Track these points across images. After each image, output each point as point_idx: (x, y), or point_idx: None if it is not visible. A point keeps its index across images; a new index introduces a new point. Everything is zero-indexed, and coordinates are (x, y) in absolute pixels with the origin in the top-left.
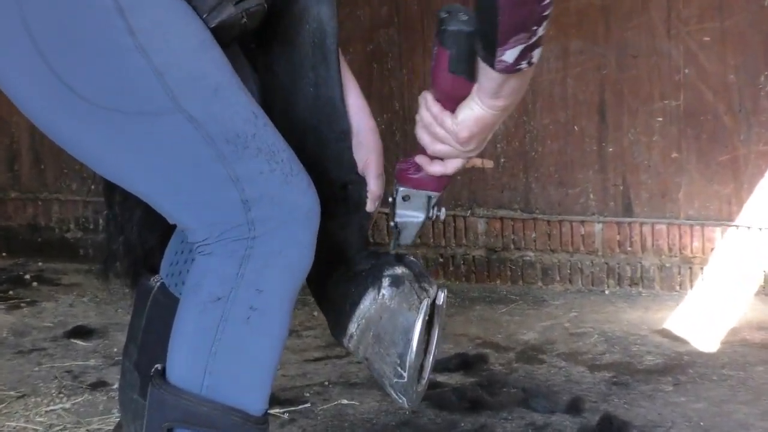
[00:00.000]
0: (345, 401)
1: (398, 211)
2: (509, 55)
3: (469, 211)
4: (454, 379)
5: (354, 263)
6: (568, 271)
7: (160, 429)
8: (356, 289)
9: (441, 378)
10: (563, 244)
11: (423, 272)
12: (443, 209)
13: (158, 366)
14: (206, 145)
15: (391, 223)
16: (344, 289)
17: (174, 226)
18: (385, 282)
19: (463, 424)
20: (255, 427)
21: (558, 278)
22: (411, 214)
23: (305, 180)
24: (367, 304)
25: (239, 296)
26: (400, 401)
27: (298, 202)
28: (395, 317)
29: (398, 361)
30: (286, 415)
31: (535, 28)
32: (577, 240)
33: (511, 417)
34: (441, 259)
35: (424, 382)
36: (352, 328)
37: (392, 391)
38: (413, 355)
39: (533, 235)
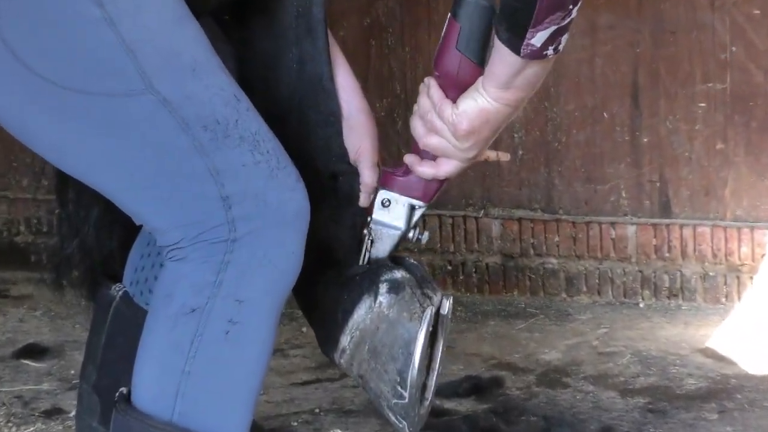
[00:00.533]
0: (339, 431)
1: (374, 217)
2: (539, 38)
3: (482, 212)
4: (464, 405)
5: (346, 266)
6: (597, 281)
7: None
8: (349, 295)
9: (449, 404)
10: (591, 250)
11: (426, 277)
12: (426, 233)
13: (123, 389)
14: (181, 131)
15: (364, 231)
16: (335, 296)
17: (139, 227)
18: (383, 288)
19: None
20: None
21: (585, 289)
22: (388, 224)
23: (293, 174)
24: (361, 313)
25: (217, 308)
26: (400, 426)
27: (286, 200)
28: (394, 328)
29: (398, 379)
30: None
31: (571, 6)
32: (606, 245)
33: None
34: (449, 267)
35: (427, 403)
36: (345, 341)
37: (391, 415)
38: (415, 372)
39: (556, 238)
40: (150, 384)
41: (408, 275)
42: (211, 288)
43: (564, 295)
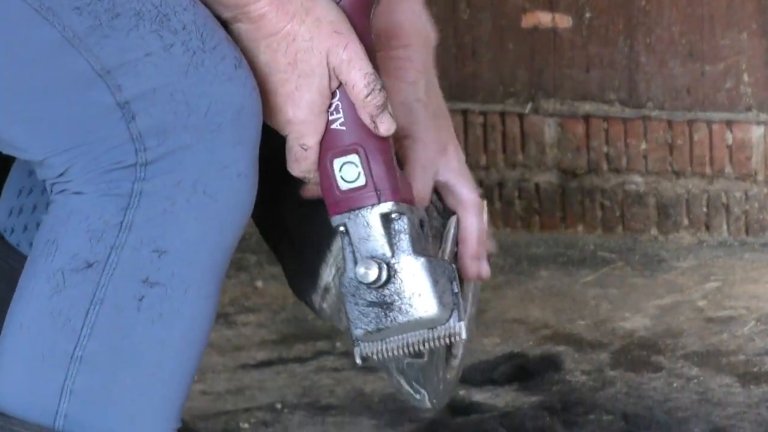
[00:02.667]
0: None
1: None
2: None
3: (530, 105)
4: (502, 398)
5: None
6: (705, 210)
7: None
8: None
9: (480, 396)
10: (695, 163)
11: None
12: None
13: None
14: (43, 21)
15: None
16: (310, 215)
17: (9, 158)
18: None
19: None
20: None
21: (686, 222)
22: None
23: (230, 57)
24: None
25: (125, 262)
26: (418, 397)
27: (219, 96)
28: None
29: None
30: None
31: None
32: (720, 155)
33: None
34: (480, 189)
35: (456, 363)
36: (328, 274)
37: (403, 381)
38: None
39: (643, 146)
40: (22, 374)
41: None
42: (116, 233)
43: (655, 231)
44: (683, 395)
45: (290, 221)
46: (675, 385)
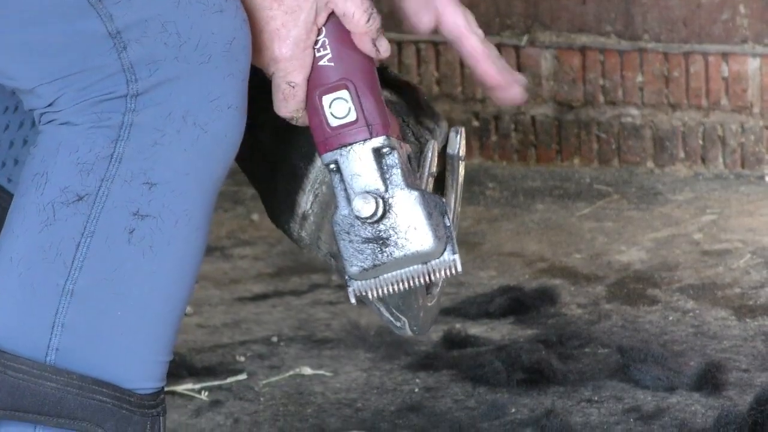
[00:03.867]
0: (308, 370)
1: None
2: None
3: (526, 38)
4: (498, 331)
5: None
6: (701, 143)
7: None
8: (308, 135)
9: (475, 329)
10: (691, 96)
11: (422, 102)
12: None
13: None
14: None
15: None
16: (287, 139)
17: None
18: None
19: (513, 410)
20: (137, 413)
21: (682, 155)
22: None
23: None
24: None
25: (115, 194)
26: (398, 324)
27: (210, 27)
28: None
29: None
30: (204, 395)
31: None
32: (716, 87)
33: (599, 398)
34: (476, 123)
35: (436, 291)
36: (305, 201)
37: (383, 309)
38: None
39: (639, 78)
40: (13, 308)
41: (395, 97)
42: (107, 165)
43: (650, 164)
44: (679, 328)
45: (267, 148)
46: (671, 318)
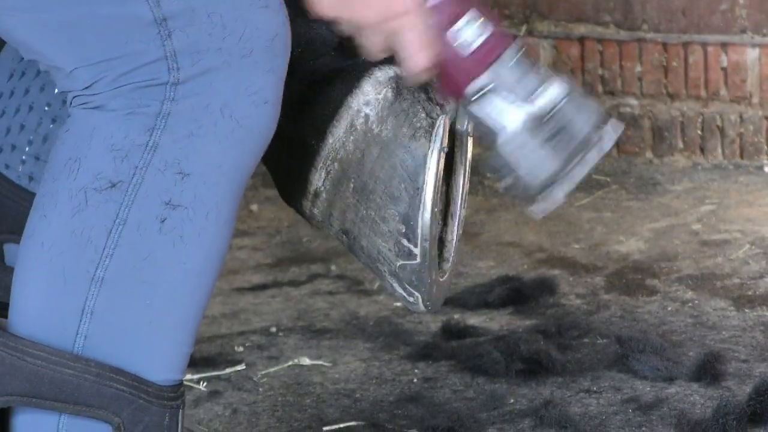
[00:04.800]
0: (306, 360)
1: None
2: None
3: (525, 27)
4: (497, 321)
5: (308, 63)
6: (699, 133)
7: None
8: (318, 109)
9: (474, 320)
10: (690, 86)
11: (431, 80)
12: None
13: None
14: None
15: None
16: (300, 117)
17: None
18: (368, 91)
19: (512, 400)
20: (155, 404)
21: (681, 145)
22: None
23: None
24: (339, 133)
25: (148, 183)
26: (411, 300)
27: (255, 22)
28: (391, 152)
29: (402, 228)
30: (202, 386)
31: None
32: (715, 78)
33: (598, 388)
34: None
35: (447, 266)
36: (317, 179)
37: (396, 284)
38: (428, 215)
39: (638, 69)
40: (42, 294)
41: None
42: (141, 153)
43: (649, 154)
44: (678, 319)
45: (279, 126)
46: (669, 308)
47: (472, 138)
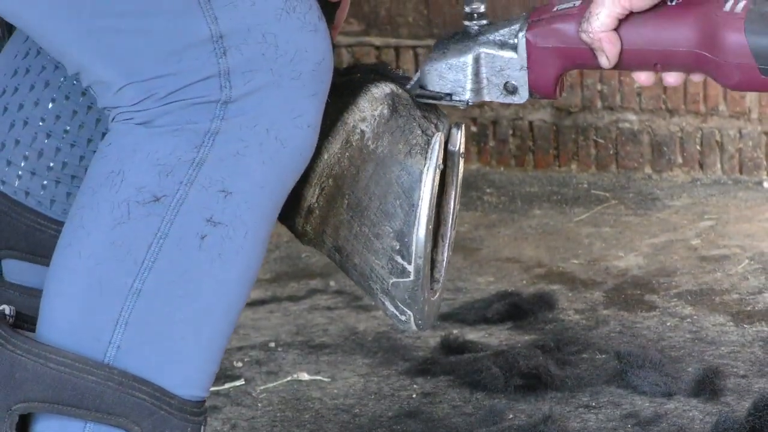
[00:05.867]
0: (305, 376)
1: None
2: None
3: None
4: (496, 336)
5: None
6: (698, 148)
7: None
8: None
9: (473, 335)
10: (689, 101)
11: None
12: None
13: (4, 308)
14: None
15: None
16: None
17: None
18: (364, 107)
19: (511, 416)
20: (177, 416)
21: (680, 161)
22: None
23: (315, 8)
24: (334, 149)
25: (192, 199)
26: (403, 319)
27: (305, 46)
28: (386, 168)
29: (396, 245)
30: None
31: None
32: (714, 93)
33: (597, 403)
34: (474, 128)
35: (438, 287)
36: (311, 195)
37: (387, 302)
38: (423, 232)
39: (636, 84)
40: (78, 302)
41: (400, 90)
42: (187, 169)
43: (648, 169)
44: (677, 334)
45: None
46: (668, 324)
47: (462, 158)
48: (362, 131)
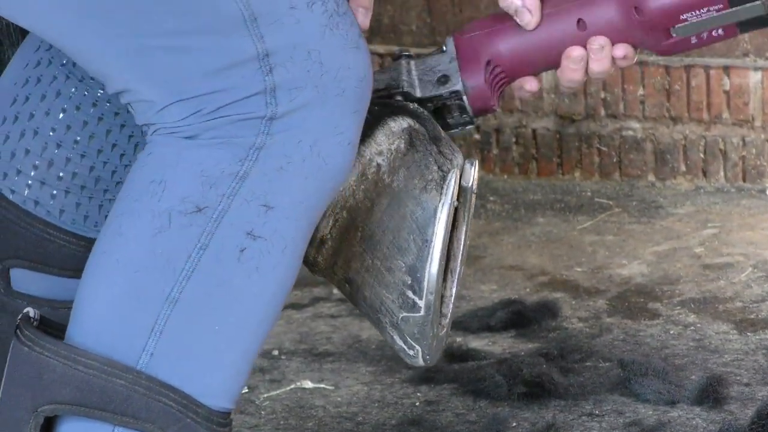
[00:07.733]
0: (309, 384)
1: None
2: None
3: None
4: (499, 344)
5: None
6: (702, 156)
7: (25, 414)
8: None
9: (477, 343)
10: (693, 109)
11: (440, 134)
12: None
13: (29, 310)
14: None
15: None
16: None
17: None
18: (381, 141)
19: (514, 424)
20: (203, 426)
21: (683, 168)
22: None
23: (356, 25)
24: (350, 180)
25: (234, 212)
26: (412, 353)
27: (349, 63)
28: (401, 203)
29: (408, 280)
30: None
31: None
32: (717, 100)
33: (600, 411)
34: (477, 136)
35: (445, 322)
36: (325, 226)
37: (396, 336)
38: (435, 268)
39: (640, 91)
40: (114, 308)
41: (417, 125)
42: (230, 182)
43: (652, 177)
44: (680, 342)
45: None
46: (672, 332)
47: (474, 194)
48: (378, 165)
